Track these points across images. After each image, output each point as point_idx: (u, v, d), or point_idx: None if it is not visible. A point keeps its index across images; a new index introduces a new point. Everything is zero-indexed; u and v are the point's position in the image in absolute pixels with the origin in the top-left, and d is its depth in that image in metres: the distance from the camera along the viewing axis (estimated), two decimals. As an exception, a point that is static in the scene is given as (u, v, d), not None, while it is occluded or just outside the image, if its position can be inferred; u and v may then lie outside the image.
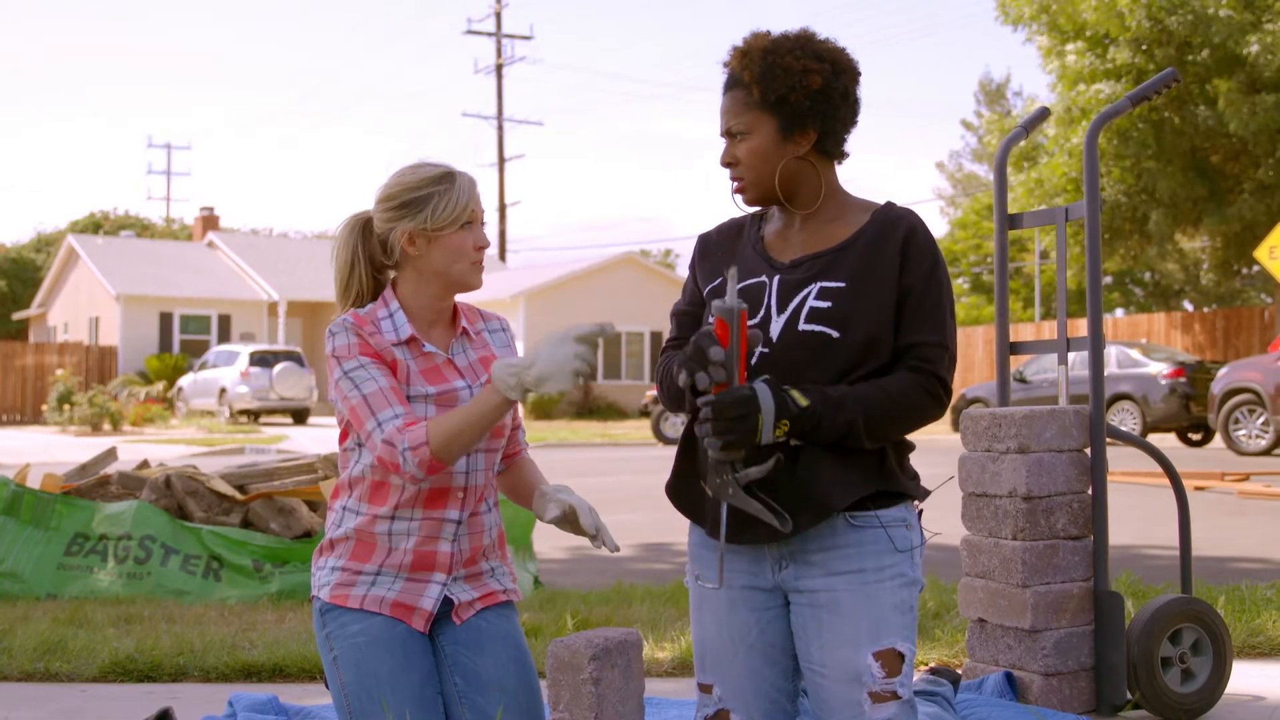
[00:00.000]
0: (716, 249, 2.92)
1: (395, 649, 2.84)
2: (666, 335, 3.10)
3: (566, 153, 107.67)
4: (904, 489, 2.76)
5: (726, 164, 2.82)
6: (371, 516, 2.88)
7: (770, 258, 2.82)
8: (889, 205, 2.82)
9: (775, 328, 2.71)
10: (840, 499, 2.66)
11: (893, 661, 2.66)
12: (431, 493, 2.88)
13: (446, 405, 2.89)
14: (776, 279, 2.76)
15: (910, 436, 2.81)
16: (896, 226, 2.74)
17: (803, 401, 2.58)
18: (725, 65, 2.81)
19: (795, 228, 2.82)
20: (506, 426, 3.02)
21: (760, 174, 2.78)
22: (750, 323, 2.72)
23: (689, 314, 2.91)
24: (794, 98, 2.71)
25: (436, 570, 2.90)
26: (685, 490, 2.82)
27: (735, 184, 2.83)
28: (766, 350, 2.69)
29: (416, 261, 2.92)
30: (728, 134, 2.80)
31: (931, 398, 2.69)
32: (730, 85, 2.78)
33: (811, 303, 2.69)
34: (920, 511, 2.84)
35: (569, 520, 2.89)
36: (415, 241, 2.89)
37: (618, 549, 2.95)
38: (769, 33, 2.79)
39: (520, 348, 3.01)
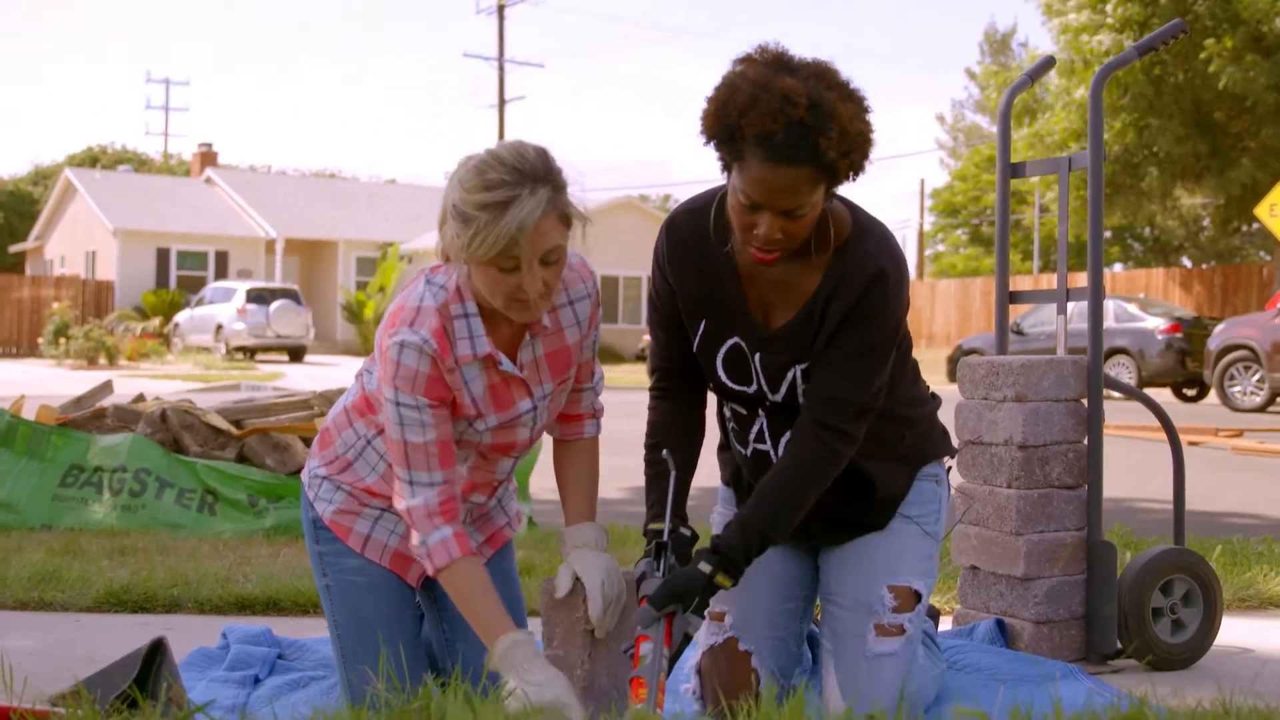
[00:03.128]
0: (693, 272, 2.68)
1: (391, 594, 2.81)
2: (649, 357, 2.95)
3: (568, 95, 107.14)
4: (937, 450, 2.83)
5: (773, 239, 2.44)
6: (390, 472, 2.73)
7: (752, 319, 2.65)
8: (853, 249, 2.56)
9: (774, 398, 2.69)
10: (883, 522, 2.80)
11: (907, 597, 2.72)
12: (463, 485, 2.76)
13: (505, 430, 2.67)
14: (758, 357, 2.66)
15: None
16: (849, 288, 2.54)
17: (726, 583, 2.51)
18: (793, 133, 2.34)
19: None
20: (538, 414, 2.71)
21: (802, 239, 2.51)
22: (748, 386, 2.70)
23: (672, 336, 2.77)
24: (864, 167, 2.45)
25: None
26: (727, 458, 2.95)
27: (771, 253, 2.47)
28: (773, 404, 2.69)
29: None
30: (787, 213, 2.41)
31: (831, 464, 2.58)
32: (798, 161, 2.36)
33: (802, 386, 2.64)
34: (950, 468, 2.90)
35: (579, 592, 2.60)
36: (459, 255, 2.47)
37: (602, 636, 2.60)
38: (833, 96, 2.37)
39: None
